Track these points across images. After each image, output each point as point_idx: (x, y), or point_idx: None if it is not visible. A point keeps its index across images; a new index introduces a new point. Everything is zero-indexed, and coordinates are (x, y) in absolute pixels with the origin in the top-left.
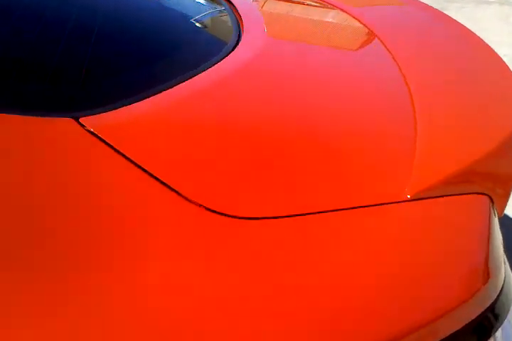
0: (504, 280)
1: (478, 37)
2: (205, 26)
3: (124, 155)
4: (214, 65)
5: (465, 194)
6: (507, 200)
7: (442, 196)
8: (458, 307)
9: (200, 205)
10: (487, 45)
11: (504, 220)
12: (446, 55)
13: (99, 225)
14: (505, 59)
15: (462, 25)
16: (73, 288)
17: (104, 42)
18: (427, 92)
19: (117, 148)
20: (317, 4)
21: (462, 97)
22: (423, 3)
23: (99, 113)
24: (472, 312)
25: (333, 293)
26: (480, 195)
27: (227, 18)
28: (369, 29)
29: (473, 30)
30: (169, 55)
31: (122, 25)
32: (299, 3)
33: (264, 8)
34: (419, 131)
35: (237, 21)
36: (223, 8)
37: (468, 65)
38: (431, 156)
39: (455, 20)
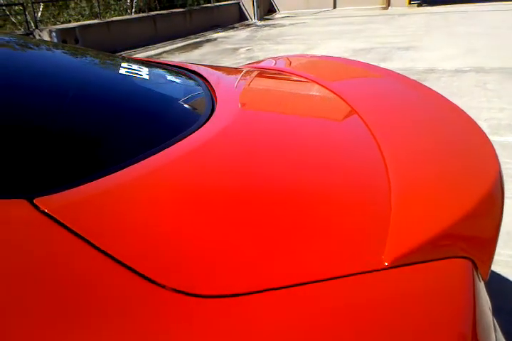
0: None
1: (451, 102)
2: (179, 103)
3: (80, 236)
4: (184, 138)
5: (445, 259)
6: (490, 263)
7: (421, 262)
8: None
9: (164, 286)
10: (460, 109)
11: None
12: (422, 120)
13: (58, 307)
14: (485, 124)
15: (435, 91)
16: None
17: (66, 122)
18: (401, 157)
19: (73, 229)
20: (296, 79)
21: (436, 160)
22: (399, 74)
23: (55, 193)
24: None
25: None
26: (461, 259)
27: (201, 95)
28: (344, 100)
29: (452, 97)
30: (132, 134)
31: (86, 104)
32: (275, 78)
33: (246, 84)
34: (393, 196)
35: (212, 96)
36: (199, 86)
37: (442, 128)
38: (406, 221)
39: (428, 88)
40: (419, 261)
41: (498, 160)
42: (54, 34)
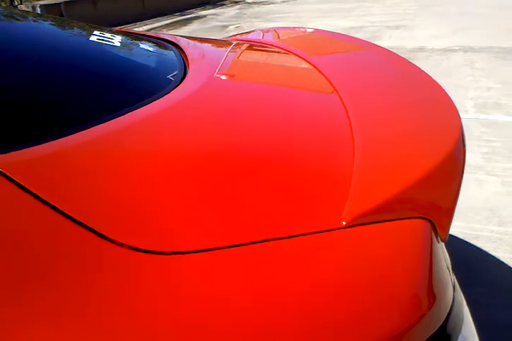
0: (453, 301)
1: (421, 71)
2: (149, 69)
3: (34, 194)
4: (153, 101)
5: (403, 219)
6: (449, 224)
7: (379, 222)
8: (405, 333)
9: (122, 244)
10: (428, 76)
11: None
12: (390, 87)
13: (11, 266)
14: (471, 102)
15: (413, 64)
16: None
17: (28, 83)
18: (365, 119)
19: (26, 187)
20: (275, 51)
21: (400, 123)
22: (381, 47)
23: (10, 152)
24: (421, 335)
25: (267, 330)
26: (419, 220)
27: (173, 62)
28: (319, 71)
29: (440, 76)
30: (96, 94)
31: (52, 66)
32: (253, 49)
33: (222, 54)
34: (355, 157)
35: (184, 61)
36: (172, 55)
37: (407, 93)
38: (367, 182)
39: (409, 62)
40: (378, 221)
41: (460, 123)
42: (38, 10)
